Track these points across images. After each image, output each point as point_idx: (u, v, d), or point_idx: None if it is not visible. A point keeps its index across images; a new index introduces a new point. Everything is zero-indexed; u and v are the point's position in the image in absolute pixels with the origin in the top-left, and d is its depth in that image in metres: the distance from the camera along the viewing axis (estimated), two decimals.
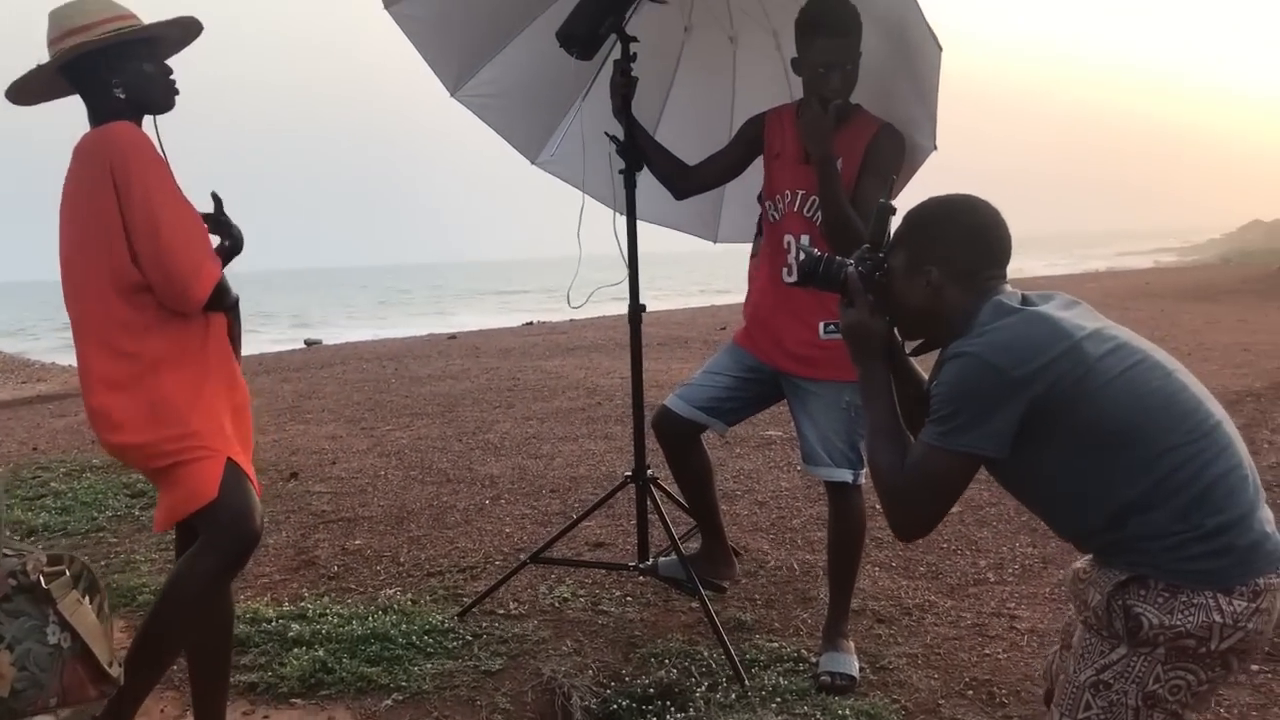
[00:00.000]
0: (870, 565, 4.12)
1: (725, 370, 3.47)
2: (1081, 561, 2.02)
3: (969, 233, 2.06)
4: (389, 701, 3.18)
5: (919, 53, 3.10)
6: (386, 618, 3.69)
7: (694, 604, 3.66)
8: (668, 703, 3.06)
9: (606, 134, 3.57)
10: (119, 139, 2.51)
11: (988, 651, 3.43)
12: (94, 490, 5.67)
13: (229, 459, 2.56)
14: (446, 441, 6.88)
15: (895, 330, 2.16)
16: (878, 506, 3.86)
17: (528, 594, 3.98)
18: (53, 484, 5.94)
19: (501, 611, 3.81)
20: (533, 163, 4.17)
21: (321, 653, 3.41)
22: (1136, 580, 1.84)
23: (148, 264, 2.50)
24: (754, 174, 3.48)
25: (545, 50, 3.62)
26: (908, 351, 2.20)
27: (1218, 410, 1.93)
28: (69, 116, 2.68)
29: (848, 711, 3.00)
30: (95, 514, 5.27)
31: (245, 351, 2.92)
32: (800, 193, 3.26)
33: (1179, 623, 1.80)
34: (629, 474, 3.68)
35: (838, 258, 2.18)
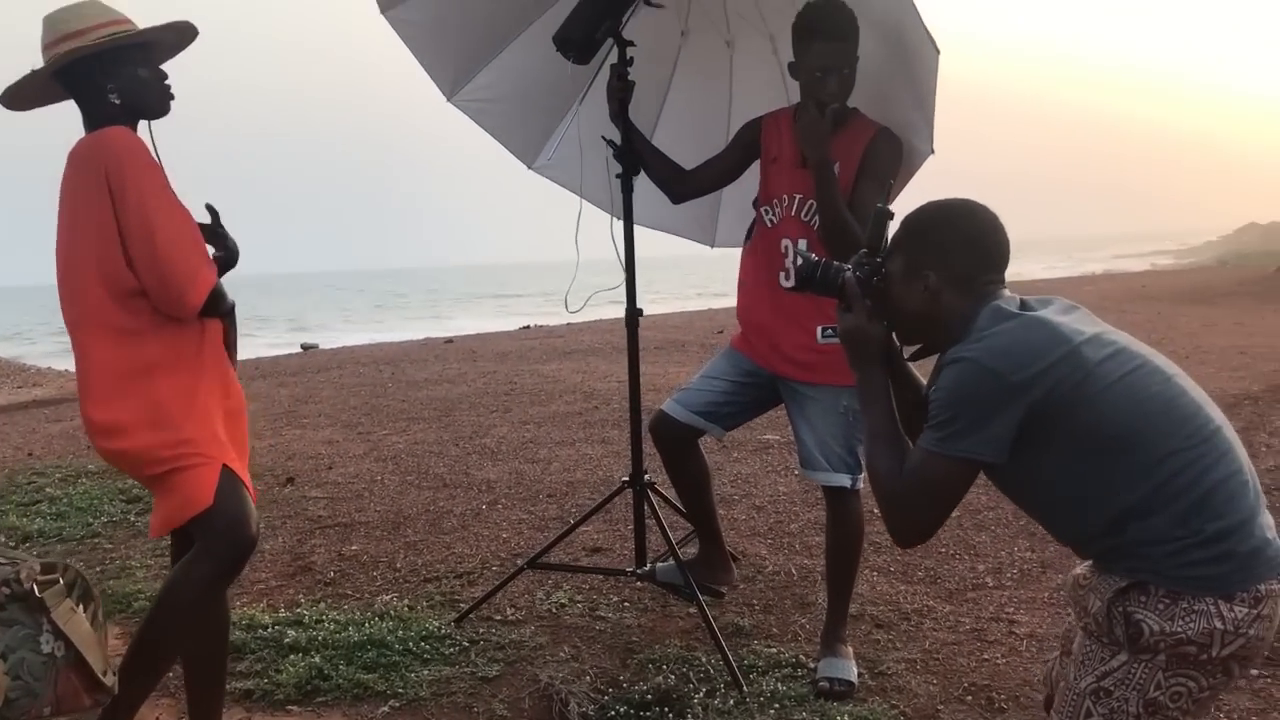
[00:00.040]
0: (868, 570, 4.11)
1: (722, 375, 3.46)
2: (1081, 567, 2.01)
3: (967, 237, 2.05)
4: (385, 708, 3.16)
5: (916, 56, 3.10)
6: (383, 624, 3.68)
7: (692, 609, 3.65)
8: (666, 709, 3.05)
9: (604, 138, 3.56)
10: (113, 144, 2.50)
11: (986, 656, 3.42)
12: (89, 496, 5.66)
13: (224, 465, 2.55)
14: (443, 446, 6.87)
15: (893, 335, 2.15)
16: (875, 511, 3.86)
17: (525, 599, 3.97)
18: (48, 489, 5.93)
19: (499, 617, 3.80)
20: (530, 167, 4.16)
21: (318, 659, 3.40)
22: (1137, 587, 1.84)
23: (143, 269, 2.49)
24: (751, 178, 3.47)
25: (542, 55, 3.61)
26: (906, 356, 2.19)
27: (1217, 415, 1.92)
28: (66, 121, 2.66)
29: (846, 717, 2.99)
30: (90, 520, 5.26)
31: (241, 356, 2.91)
32: (797, 197, 3.25)
33: (1180, 629, 1.79)
34: (626, 479, 3.67)
35: (835, 263, 2.17)
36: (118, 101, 2.58)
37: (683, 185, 3.58)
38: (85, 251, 2.53)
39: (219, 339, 2.70)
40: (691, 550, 3.83)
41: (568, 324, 16.30)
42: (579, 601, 3.95)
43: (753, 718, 3.00)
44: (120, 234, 2.49)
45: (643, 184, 3.58)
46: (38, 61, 2.59)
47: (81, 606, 2.17)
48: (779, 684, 3.21)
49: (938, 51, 3.00)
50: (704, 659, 3.38)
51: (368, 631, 3.59)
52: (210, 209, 2.77)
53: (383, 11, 3.72)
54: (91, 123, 2.60)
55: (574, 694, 3.15)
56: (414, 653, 3.47)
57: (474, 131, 4.06)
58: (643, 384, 3.74)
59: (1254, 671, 3.11)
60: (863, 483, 3.28)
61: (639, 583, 3.90)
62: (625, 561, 4.19)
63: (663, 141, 3.76)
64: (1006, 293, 2.02)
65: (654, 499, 3.68)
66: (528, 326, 19.62)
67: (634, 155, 3.53)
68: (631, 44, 3.47)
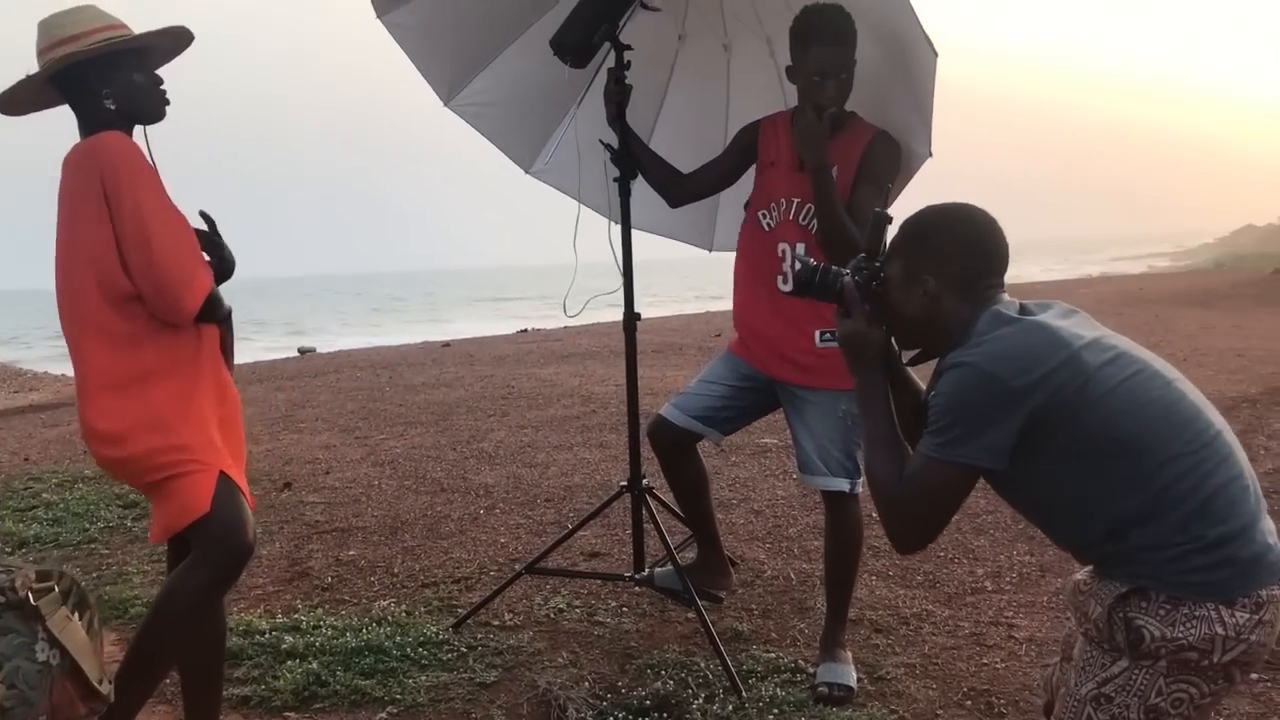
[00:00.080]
0: (867, 574, 4.10)
1: (720, 379, 3.46)
2: (1082, 573, 2.00)
3: (966, 241, 2.04)
4: (383, 715, 3.15)
5: (914, 59, 3.09)
6: (381, 629, 3.67)
7: (690, 614, 3.64)
8: (664, 714, 3.04)
9: (601, 142, 3.56)
10: (108, 149, 2.49)
11: (986, 661, 3.41)
12: (86, 501, 5.65)
13: (221, 472, 2.54)
14: (441, 450, 6.86)
15: (892, 340, 2.14)
16: (874, 515, 3.86)
17: (523, 605, 3.96)
18: (44, 495, 5.91)
19: (497, 623, 3.79)
20: (527, 172, 4.15)
21: (315, 665, 3.39)
22: (1137, 592, 1.83)
23: (139, 275, 2.48)
24: (748, 182, 3.46)
25: (539, 59, 3.61)
26: (905, 361, 2.18)
27: (1218, 419, 1.92)
28: (64, 124, 2.66)
29: None
30: (87, 525, 5.24)
31: (238, 360, 2.90)
32: (795, 201, 3.24)
33: (1181, 635, 1.78)
34: (624, 484, 3.66)
35: (834, 267, 2.17)
36: (113, 107, 2.57)
37: (680, 189, 3.57)
38: (83, 257, 2.52)
39: (215, 344, 2.69)
40: (690, 555, 3.82)
41: (565, 327, 16.29)
42: (577, 606, 3.94)
43: None
44: (116, 239, 2.48)
45: (640, 188, 3.57)
46: (33, 66, 2.58)
47: (77, 614, 2.16)
48: (778, 689, 3.20)
49: (935, 54, 2.99)
50: (703, 664, 3.37)
51: (365, 637, 3.58)
52: (206, 217, 2.76)
53: (379, 16, 3.72)
54: (87, 128, 2.59)
55: (572, 700, 3.14)
56: (412, 658, 3.46)
57: (471, 135, 4.05)
58: (640, 387, 3.74)
59: (1254, 676, 3.10)
60: (861, 487, 3.27)
61: (637, 588, 3.89)
62: (623, 566, 4.18)
63: (660, 145, 3.75)
64: (1006, 297, 2.01)
65: (652, 504, 3.67)
66: (525, 330, 19.60)
67: (631, 159, 3.52)
68: (629, 48, 3.47)
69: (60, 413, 9.83)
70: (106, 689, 2.21)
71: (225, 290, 2.74)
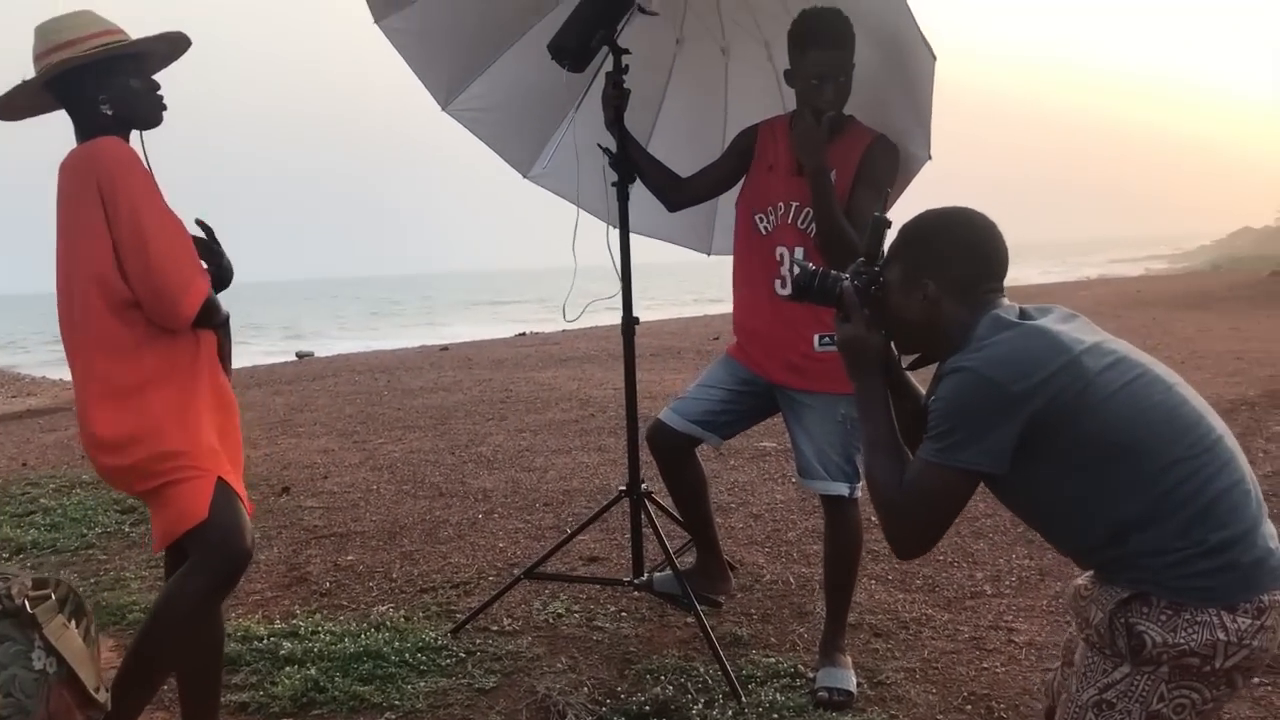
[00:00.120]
0: (866, 578, 4.09)
1: (719, 383, 3.45)
2: (1083, 578, 2.00)
3: (965, 245, 2.04)
4: None
5: (912, 62, 3.09)
6: (379, 635, 3.66)
7: (689, 619, 3.63)
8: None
9: (599, 146, 3.55)
10: (104, 155, 2.49)
11: (986, 665, 3.41)
12: (84, 506, 5.64)
13: (219, 478, 2.53)
14: (439, 455, 6.85)
15: (892, 344, 2.13)
16: (873, 519, 3.85)
17: (522, 610, 3.95)
18: (42, 500, 5.90)
19: (495, 628, 3.78)
20: (525, 176, 4.15)
21: (313, 671, 3.38)
22: (1139, 598, 1.82)
23: (136, 280, 2.48)
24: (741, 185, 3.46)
25: (536, 63, 3.61)
26: (904, 366, 2.18)
27: (1219, 424, 1.91)
28: (64, 129, 2.66)
29: None
30: (85, 531, 5.23)
31: (236, 364, 2.89)
32: (794, 204, 3.24)
33: (1182, 641, 1.78)
34: (623, 488, 3.65)
35: (833, 272, 2.16)
36: (109, 112, 2.57)
37: (678, 193, 3.57)
38: (83, 264, 2.52)
39: (213, 350, 2.69)
40: (689, 559, 3.81)
41: (563, 331, 16.29)
42: (576, 611, 3.93)
43: None
44: (114, 245, 2.47)
45: (639, 192, 3.57)
46: (29, 71, 2.58)
47: (74, 622, 2.16)
48: (777, 694, 3.20)
49: (934, 57, 2.99)
50: (702, 669, 3.36)
51: (364, 643, 3.57)
52: (204, 225, 2.76)
53: (376, 21, 3.71)
54: (83, 133, 2.59)
55: (571, 705, 3.14)
56: (410, 664, 3.45)
57: (470, 139, 4.06)
58: (639, 391, 3.73)
59: (1255, 680, 3.10)
60: (861, 491, 3.26)
61: (636, 592, 3.88)
62: (622, 571, 4.17)
63: (658, 149, 3.75)
64: (1006, 301, 2.01)
65: (651, 508, 3.66)
66: (523, 333, 19.61)
67: (629, 163, 3.52)
68: (627, 52, 3.46)
69: (58, 417, 9.81)
70: (103, 697, 2.20)
71: (223, 295, 2.74)
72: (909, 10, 2.97)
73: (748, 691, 3.20)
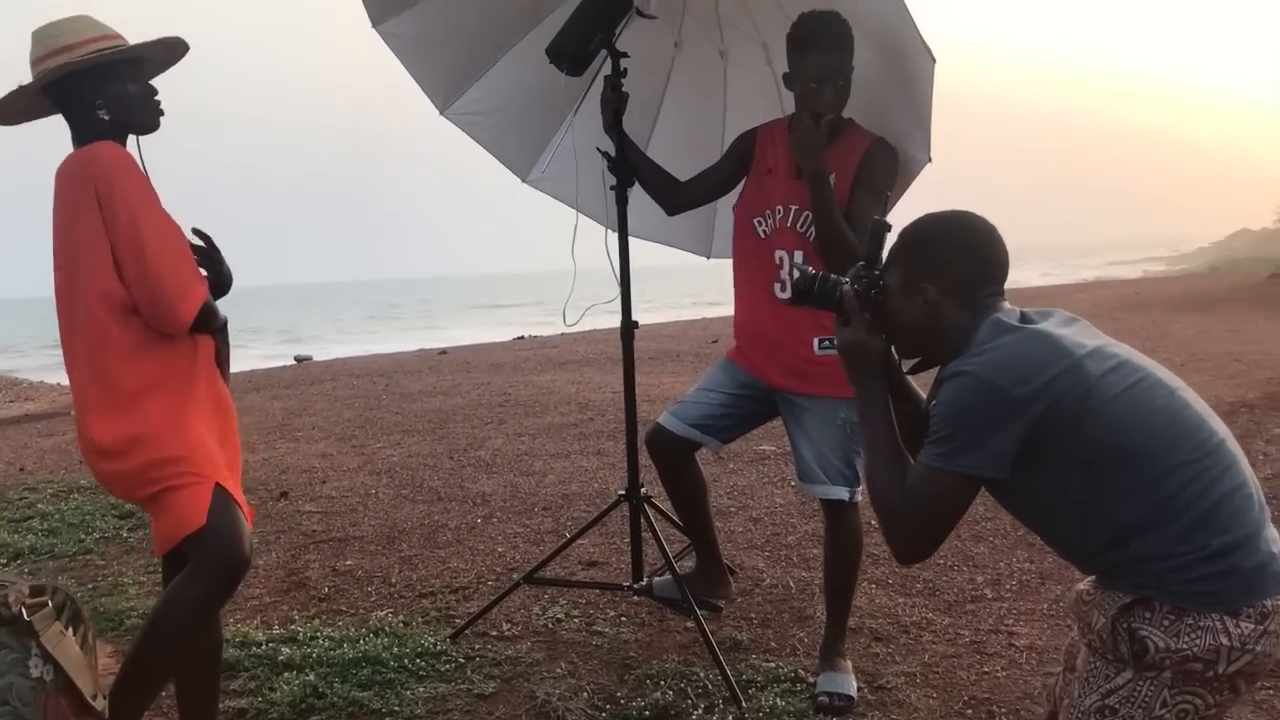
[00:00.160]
0: (867, 582, 4.08)
1: (719, 387, 3.44)
2: (1085, 583, 1.99)
3: (966, 249, 2.03)
4: None
5: (912, 65, 3.09)
6: (378, 640, 3.65)
7: (689, 624, 3.62)
8: None
9: (598, 150, 3.54)
10: (101, 159, 2.48)
11: (986, 669, 3.40)
12: (82, 512, 5.63)
13: (217, 484, 2.53)
14: (438, 459, 6.84)
15: (892, 349, 2.13)
16: (873, 522, 3.84)
17: (521, 615, 3.94)
18: (40, 505, 5.89)
19: (494, 633, 3.77)
20: (524, 180, 4.14)
21: (312, 677, 3.37)
22: (1141, 603, 1.81)
23: (133, 284, 2.47)
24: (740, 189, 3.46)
25: (535, 67, 3.60)
26: (905, 370, 2.17)
27: (1221, 428, 1.90)
28: (60, 133, 2.64)
29: None
30: (83, 536, 5.22)
31: (234, 368, 2.88)
32: (793, 208, 3.23)
33: (1185, 646, 1.77)
34: (623, 492, 3.64)
35: (832, 276, 2.15)
36: (106, 117, 2.56)
37: (677, 197, 3.56)
38: (79, 268, 2.51)
39: (211, 355, 2.68)
40: (689, 564, 3.81)
41: (561, 334, 16.28)
42: (575, 616, 3.92)
43: None
44: (112, 250, 2.47)
45: (638, 196, 3.56)
46: (26, 76, 2.57)
47: (71, 629, 2.15)
48: (778, 699, 3.19)
49: (933, 60, 2.99)
50: (702, 674, 3.35)
51: (363, 648, 3.56)
52: (202, 234, 2.75)
53: (374, 25, 3.71)
54: (80, 138, 2.58)
55: (571, 711, 3.13)
56: (410, 670, 3.44)
57: (468, 143, 4.05)
58: (637, 395, 3.72)
59: (1258, 684, 3.10)
60: (861, 495, 3.26)
61: (636, 597, 3.87)
62: (622, 575, 4.16)
63: (657, 153, 3.74)
64: (1006, 305, 2.00)
65: (650, 512, 3.65)
66: (522, 337, 19.59)
67: (628, 167, 3.51)
68: (625, 55, 3.46)
69: (56, 422, 9.80)
70: (101, 705, 2.19)
71: (221, 299, 2.73)
72: (908, 13, 2.96)
73: (748, 696, 3.19)
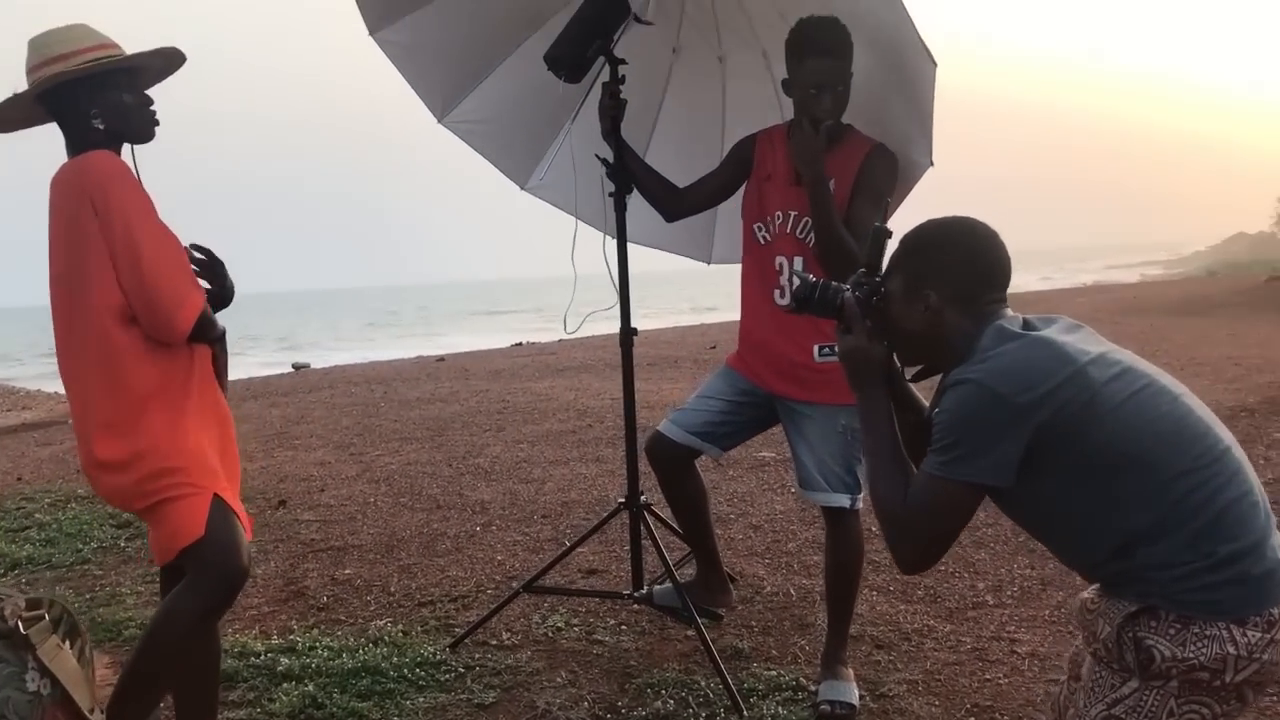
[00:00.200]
0: (868, 589, 4.06)
1: (719, 394, 3.43)
2: (1089, 591, 1.97)
3: (967, 256, 2.02)
4: None
5: (913, 70, 3.08)
6: (377, 650, 3.63)
7: (690, 632, 3.61)
8: None
9: (597, 157, 3.53)
10: (95, 169, 2.47)
11: (988, 677, 3.38)
12: (79, 521, 5.60)
13: (216, 495, 2.51)
14: (436, 466, 6.82)
15: (894, 356, 2.11)
16: (874, 529, 3.83)
17: (521, 623, 3.92)
18: (37, 515, 5.87)
19: (494, 642, 3.75)
20: (523, 188, 4.13)
21: (311, 687, 3.35)
22: (1147, 611, 1.80)
23: (130, 293, 2.47)
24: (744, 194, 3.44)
25: (532, 74, 3.59)
26: (908, 377, 2.16)
27: (1226, 435, 1.89)
28: (58, 141, 2.64)
29: None
30: (80, 546, 5.20)
31: (232, 376, 2.87)
32: (792, 214, 3.22)
33: (1192, 655, 1.75)
34: (622, 500, 3.63)
35: (833, 283, 2.14)
36: (101, 126, 2.55)
37: (676, 203, 3.55)
38: (77, 279, 2.50)
39: (208, 365, 2.67)
40: (689, 572, 3.79)
41: (559, 340, 16.25)
42: (576, 625, 3.90)
43: None
44: (111, 258, 2.46)
45: (638, 202, 3.55)
46: (22, 84, 2.56)
47: (68, 642, 2.13)
48: (779, 707, 3.17)
49: (934, 64, 2.98)
50: (703, 683, 3.34)
51: (362, 658, 3.54)
52: (202, 249, 2.75)
53: (371, 33, 3.70)
54: (74, 147, 2.57)
55: None
56: (409, 680, 3.42)
57: (467, 149, 4.04)
58: (636, 401, 3.71)
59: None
60: (862, 502, 3.24)
61: (636, 605, 3.86)
62: (621, 583, 4.15)
63: (656, 159, 3.73)
64: (1009, 312, 1.99)
65: (650, 520, 3.64)
66: (520, 343, 19.57)
67: (627, 174, 3.50)
68: (623, 62, 3.45)
69: (53, 431, 9.77)
70: (98, 718, 2.17)
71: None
72: (908, 17, 2.95)
73: (749, 705, 3.18)
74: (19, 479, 7.19)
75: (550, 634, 3.82)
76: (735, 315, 3.60)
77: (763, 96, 3.76)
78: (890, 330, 2.07)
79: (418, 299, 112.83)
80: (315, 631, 3.91)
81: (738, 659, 3.54)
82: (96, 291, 2.48)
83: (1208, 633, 1.75)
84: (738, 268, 3.74)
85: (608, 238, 3.65)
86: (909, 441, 2.06)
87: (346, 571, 4.68)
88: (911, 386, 2.17)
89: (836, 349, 2.12)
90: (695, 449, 3.41)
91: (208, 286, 2.72)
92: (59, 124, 2.60)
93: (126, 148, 2.63)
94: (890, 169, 3.17)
